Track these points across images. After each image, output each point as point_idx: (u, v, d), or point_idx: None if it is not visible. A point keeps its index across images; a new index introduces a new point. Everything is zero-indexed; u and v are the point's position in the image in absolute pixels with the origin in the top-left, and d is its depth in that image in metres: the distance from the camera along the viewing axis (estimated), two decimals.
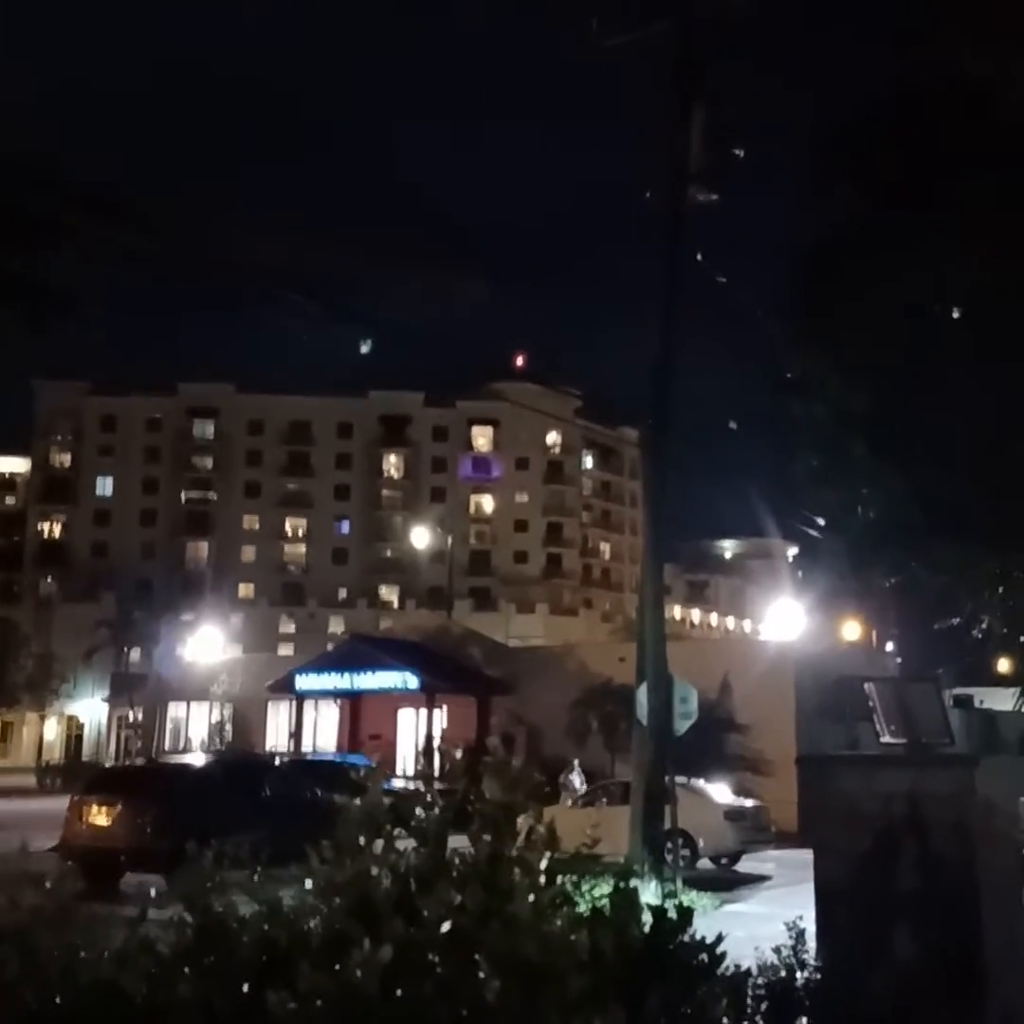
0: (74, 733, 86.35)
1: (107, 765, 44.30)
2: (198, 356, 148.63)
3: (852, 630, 45.20)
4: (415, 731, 43.09)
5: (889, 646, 45.32)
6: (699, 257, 18.57)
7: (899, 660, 41.61)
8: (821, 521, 11.81)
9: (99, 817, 18.87)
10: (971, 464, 9.72)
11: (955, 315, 9.71)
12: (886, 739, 6.99)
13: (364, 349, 15.63)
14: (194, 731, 53.92)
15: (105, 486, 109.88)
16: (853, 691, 9.52)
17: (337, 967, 3.52)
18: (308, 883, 4.08)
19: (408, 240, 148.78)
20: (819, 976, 5.76)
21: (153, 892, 4.21)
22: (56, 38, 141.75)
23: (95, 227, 11.92)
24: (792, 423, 11.49)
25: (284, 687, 44.70)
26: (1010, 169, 9.22)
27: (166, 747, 53.41)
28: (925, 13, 10.02)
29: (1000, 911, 6.51)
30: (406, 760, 41.23)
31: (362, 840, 3.94)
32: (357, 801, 4.15)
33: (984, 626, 11.82)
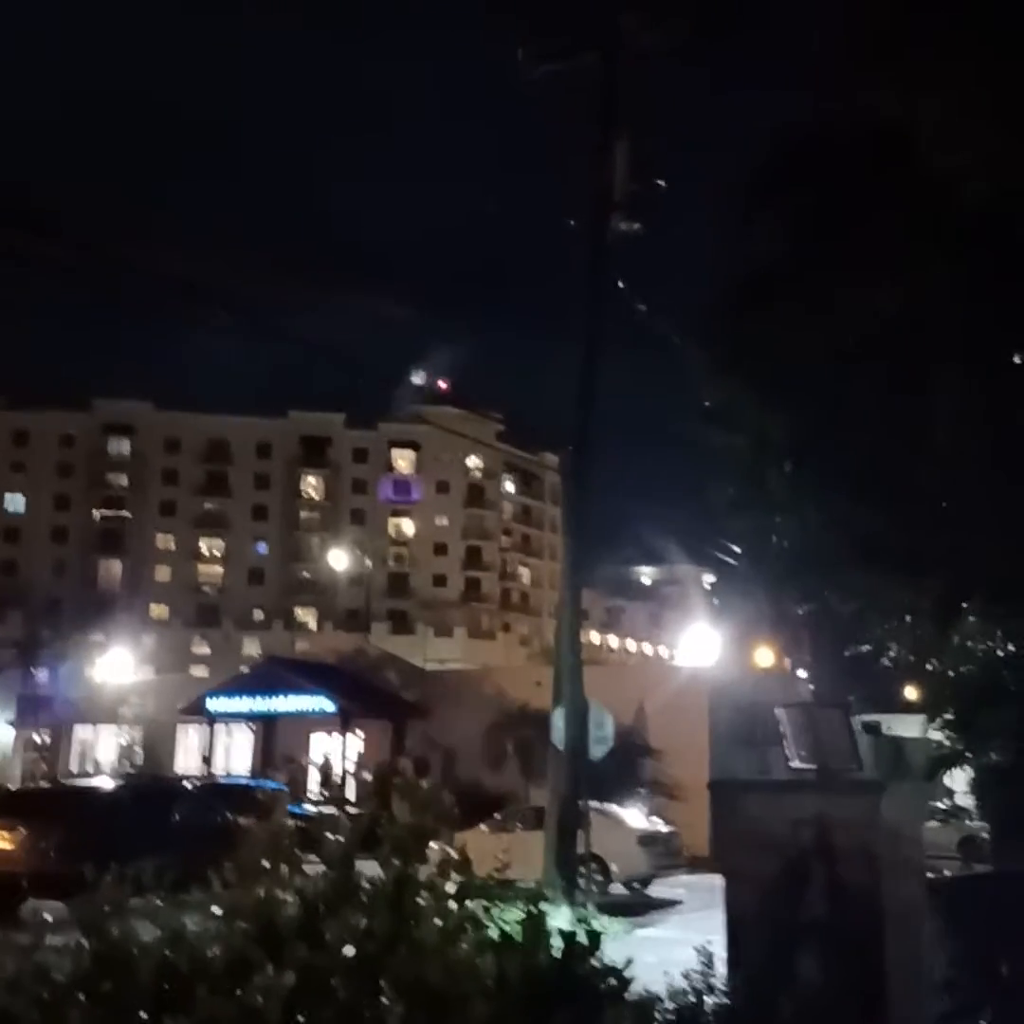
0: None
1: (11, 788, 43.17)
2: (115, 372, 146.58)
3: (766, 656, 45.67)
4: (330, 755, 42.63)
5: (801, 673, 45.86)
6: (620, 285, 18.74)
7: (811, 687, 42.10)
8: (738, 549, 11.93)
9: (1, 841, 18.38)
10: (882, 494, 9.89)
11: (864, 348, 9.89)
12: (795, 764, 7.05)
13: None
14: (102, 754, 52.78)
15: (15, 503, 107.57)
16: (764, 716, 9.61)
17: (238, 992, 3.45)
18: (213, 908, 3.99)
19: (331, 262, 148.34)
20: (728, 1001, 5.78)
21: (50, 918, 4.09)
22: None
23: (5, 239, 11.70)
24: (711, 452, 11.61)
25: (196, 710, 43.97)
26: (924, 205, 9.44)
27: (73, 770, 52.19)
28: (839, 55, 10.24)
29: (905, 938, 6.59)
30: (319, 784, 40.75)
31: (267, 863, 3.88)
32: (264, 824, 4.08)
33: (893, 654, 12.02)
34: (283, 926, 3.64)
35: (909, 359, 9.69)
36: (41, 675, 70.93)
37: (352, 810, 4.32)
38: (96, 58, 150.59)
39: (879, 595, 10.90)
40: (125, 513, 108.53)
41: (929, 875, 7.69)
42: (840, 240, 10.11)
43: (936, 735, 11.92)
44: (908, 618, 11.05)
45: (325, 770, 39.75)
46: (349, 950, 3.53)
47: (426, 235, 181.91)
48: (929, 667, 12.01)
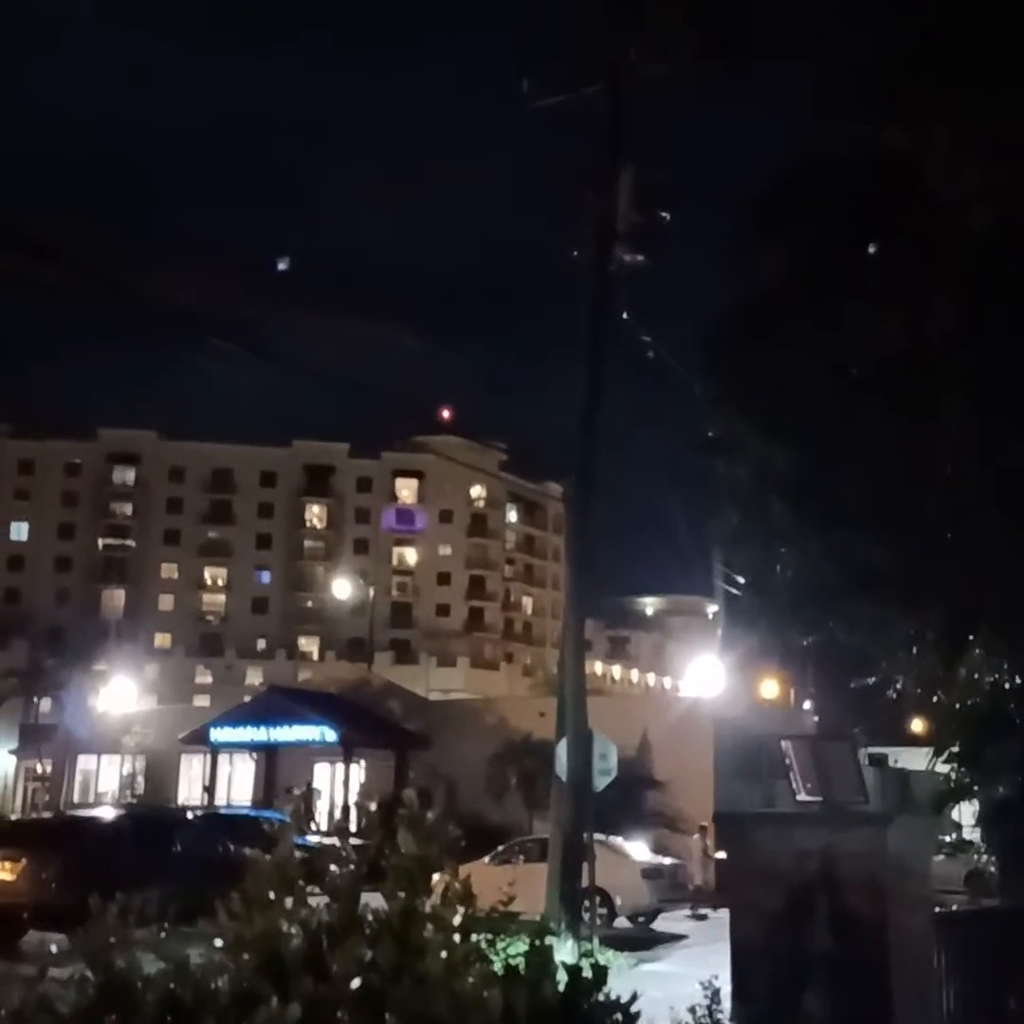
0: None
1: (13, 818, 42.99)
2: (120, 402, 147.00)
3: (771, 688, 45.54)
4: (332, 785, 42.46)
5: (807, 704, 45.70)
6: (625, 316, 18.81)
7: (816, 719, 41.96)
8: (742, 579, 11.92)
9: (2, 872, 18.30)
10: (885, 526, 9.89)
11: (868, 378, 9.92)
12: (802, 797, 7.02)
13: (281, 266, 14.91)
14: (105, 784, 52.59)
15: (20, 531, 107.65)
16: (770, 749, 9.57)
17: None
18: (218, 940, 3.97)
19: (337, 291, 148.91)
20: None
21: (54, 949, 4.07)
22: None
23: (14, 269, 11.77)
24: (714, 482, 11.63)
25: (199, 739, 43.86)
26: (928, 235, 9.49)
27: (75, 800, 51.99)
28: (845, 86, 10.32)
29: (911, 972, 6.54)
30: (322, 815, 40.58)
31: (272, 894, 3.86)
32: (268, 855, 4.06)
33: (899, 686, 11.98)
34: (288, 958, 3.62)
35: (913, 390, 9.71)
36: (44, 704, 70.76)
37: (355, 841, 4.30)
38: (104, 78, 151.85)
39: (883, 627, 10.88)
40: (129, 542, 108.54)
41: (936, 909, 7.64)
42: (844, 269, 10.16)
43: (943, 768, 11.87)
44: (913, 650, 11.02)
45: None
46: (355, 982, 3.51)
47: (429, 265, 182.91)
48: (935, 699, 11.97)
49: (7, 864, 18.33)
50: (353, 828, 4.53)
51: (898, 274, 9.70)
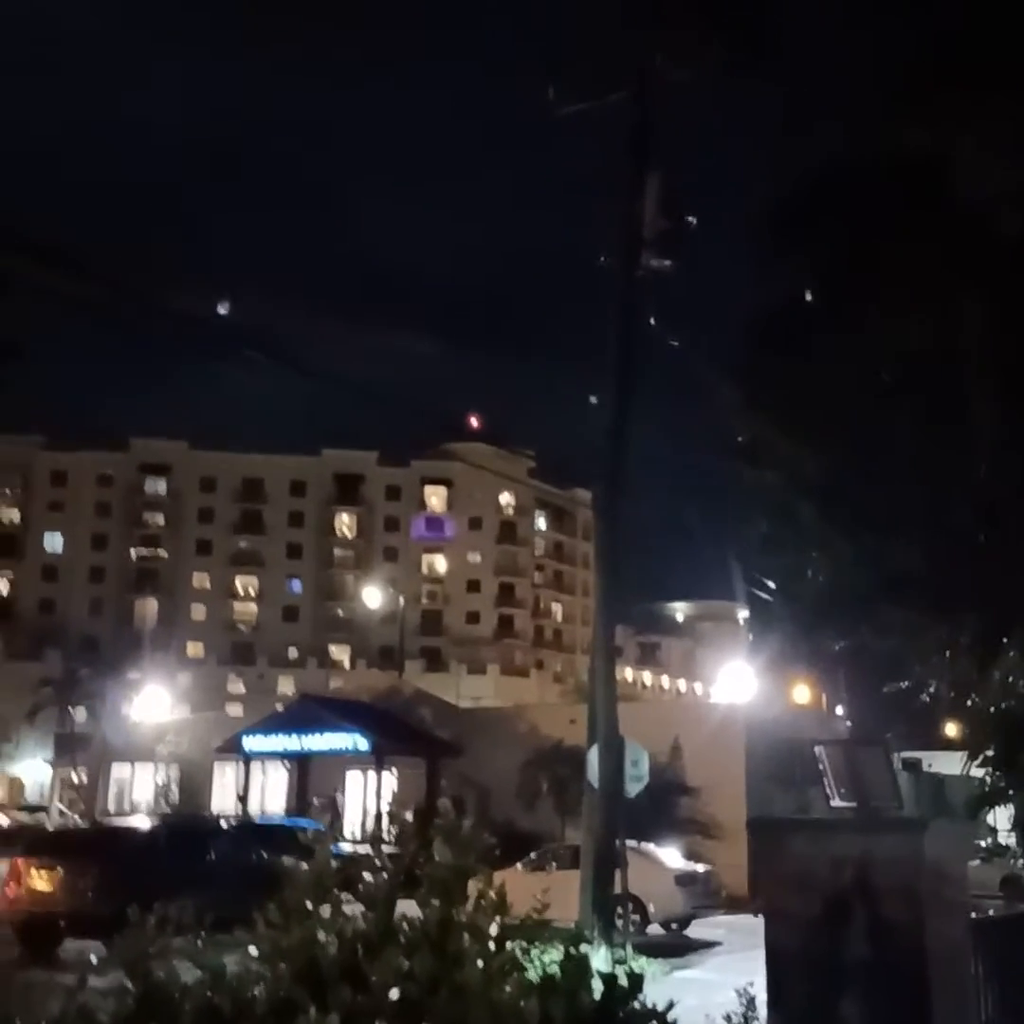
0: (15, 794, 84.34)
1: (48, 828, 43.30)
2: (151, 412, 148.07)
3: (802, 693, 45.37)
4: (364, 793, 42.56)
5: (839, 709, 45.50)
6: (652, 322, 18.79)
7: (849, 724, 41.76)
8: (772, 584, 11.88)
9: (39, 880, 18.44)
10: (917, 529, 9.84)
11: (899, 382, 9.88)
12: (836, 803, 6.99)
13: (221, 310, 14.78)
14: (139, 793, 52.88)
15: (54, 542, 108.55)
16: (803, 754, 9.54)
17: None
18: (253, 949, 4.00)
19: (364, 300, 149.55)
20: None
21: (93, 958, 4.11)
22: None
23: (48, 280, 11.90)
24: (744, 488, 11.60)
25: (232, 748, 44.03)
26: (956, 238, 9.45)
27: (110, 809, 52.30)
28: (871, 90, 10.29)
29: (949, 979, 6.50)
30: (355, 823, 40.66)
31: (310, 904, 3.88)
32: (305, 864, 4.09)
33: (932, 690, 11.91)
34: (326, 967, 3.64)
35: (944, 393, 9.66)
36: (78, 714, 71.26)
37: (388, 850, 4.32)
38: (128, 91, 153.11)
39: (916, 631, 10.82)
40: (161, 552, 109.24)
41: (973, 915, 7.58)
42: (872, 273, 10.12)
43: (977, 772, 11.79)
44: (946, 654, 10.96)
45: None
46: (393, 992, 3.52)
47: (457, 273, 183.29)
48: (969, 703, 11.89)
49: (44, 873, 18.47)
50: (386, 836, 4.54)
51: (926, 277, 9.66)
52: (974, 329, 9.50)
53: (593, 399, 18.55)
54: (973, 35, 9.45)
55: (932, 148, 9.43)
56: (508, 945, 3.93)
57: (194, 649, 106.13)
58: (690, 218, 18.48)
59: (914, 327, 9.78)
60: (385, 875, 4.06)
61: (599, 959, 13.91)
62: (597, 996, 4.00)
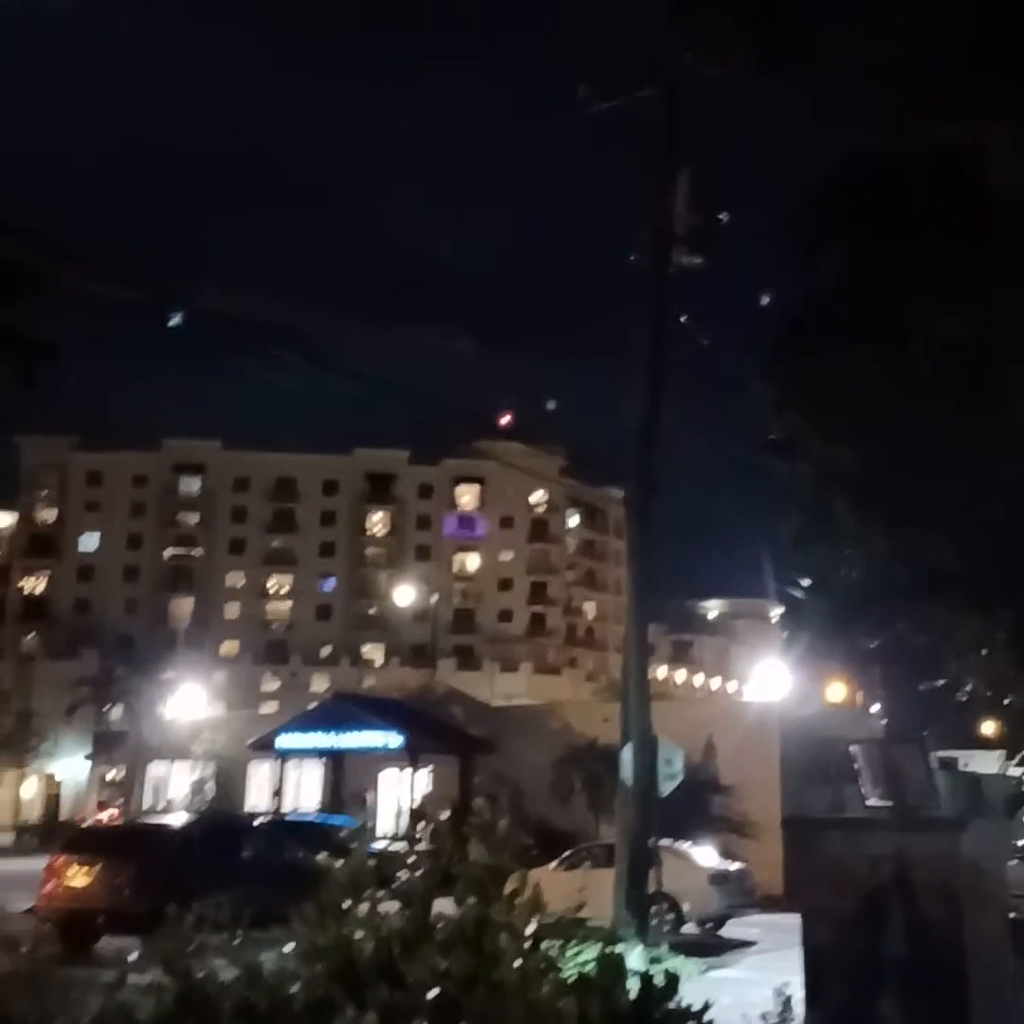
0: (53, 791, 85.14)
1: (86, 824, 43.68)
2: (185, 412, 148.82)
3: (837, 691, 45.09)
4: (398, 791, 42.67)
5: (874, 707, 45.16)
6: (683, 319, 18.74)
7: (884, 721, 41.42)
8: (805, 581, 11.82)
9: (77, 877, 18.58)
10: (953, 524, 9.76)
11: (933, 376, 9.80)
12: (872, 802, 6.95)
13: (174, 321, 14.66)
14: (175, 790, 53.22)
15: (89, 542, 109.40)
16: (838, 753, 9.48)
17: None
18: (288, 946, 4.01)
19: (395, 298, 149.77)
20: None
21: (132, 956, 4.13)
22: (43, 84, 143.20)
23: (82, 280, 11.99)
24: (776, 483, 11.55)
25: (266, 745, 44.27)
26: (990, 229, 9.37)
27: (146, 806, 52.68)
28: (902, 83, 10.22)
29: (988, 977, 6.45)
30: (388, 821, 40.76)
31: (346, 903, 3.89)
32: (340, 862, 4.09)
33: (969, 688, 11.81)
34: (363, 966, 3.64)
35: (978, 388, 9.58)
36: (114, 712, 71.86)
37: (422, 848, 4.32)
38: (155, 95, 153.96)
39: (952, 627, 10.73)
40: (195, 551, 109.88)
41: (1011, 914, 7.52)
42: (905, 267, 10.05)
43: (1015, 771, 11.68)
44: (983, 651, 10.87)
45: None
46: (430, 991, 3.52)
47: (489, 270, 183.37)
48: (1006, 701, 11.78)
49: (82, 870, 18.61)
50: (419, 834, 4.55)
51: (960, 271, 9.59)
52: (1009, 323, 9.42)
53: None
54: (1005, 28, 9.36)
55: (965, 140, 9.36)
56: (543, 944, 3.92)
57: (228, 647, 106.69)
58: (721, 214, 18.42)
59: (948, 322, 9.71)
60: (421, 873, 4.07)
61: (634, 958, 13.89)
62: (632, 995, 3.99)
